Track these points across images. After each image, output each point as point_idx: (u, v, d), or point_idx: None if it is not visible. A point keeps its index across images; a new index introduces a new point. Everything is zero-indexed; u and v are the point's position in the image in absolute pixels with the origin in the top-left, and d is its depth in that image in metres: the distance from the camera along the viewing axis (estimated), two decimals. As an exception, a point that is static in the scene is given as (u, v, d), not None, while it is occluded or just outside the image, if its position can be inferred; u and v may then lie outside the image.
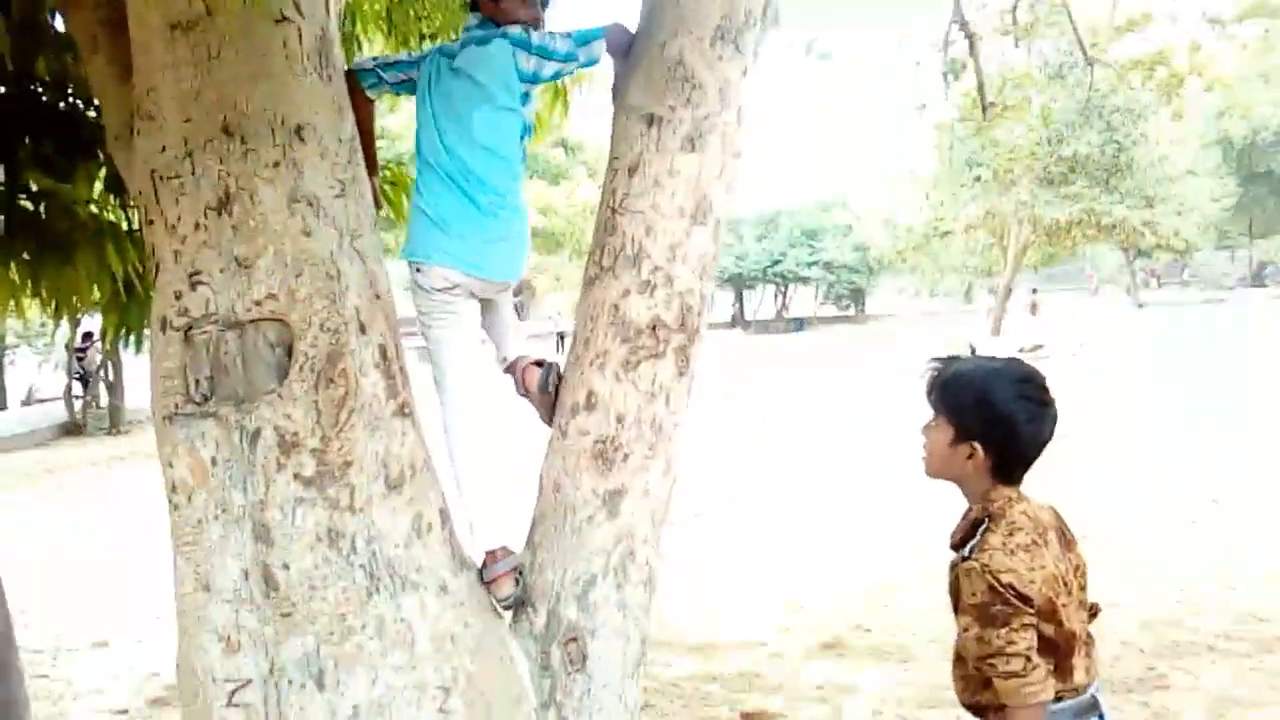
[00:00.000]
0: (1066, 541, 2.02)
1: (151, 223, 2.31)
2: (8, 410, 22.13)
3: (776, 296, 42.45)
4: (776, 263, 38.55)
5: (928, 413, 2.08)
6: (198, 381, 2.29)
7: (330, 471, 2.24)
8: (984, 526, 1.96)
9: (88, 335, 16.63)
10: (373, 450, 2.29)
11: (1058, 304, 34.46)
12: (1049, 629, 1.88)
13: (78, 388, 17.55)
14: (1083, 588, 2.02)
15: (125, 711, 4.98)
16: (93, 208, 3.41)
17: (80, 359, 17.38)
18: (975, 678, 1.99)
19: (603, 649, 2.45)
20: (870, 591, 6.45)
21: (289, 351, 2.27)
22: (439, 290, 2.58)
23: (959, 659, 2.02)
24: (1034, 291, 26.55)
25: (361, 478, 2.27)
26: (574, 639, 2.43)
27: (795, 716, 4.62)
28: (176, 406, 2.28)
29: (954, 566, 1.99)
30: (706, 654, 5.56)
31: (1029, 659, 1.84)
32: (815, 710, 4.71)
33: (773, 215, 39.92)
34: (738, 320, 42.01)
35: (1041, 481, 2.14)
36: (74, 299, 3.32)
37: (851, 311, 43.00)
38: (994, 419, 1.95)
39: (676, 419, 2.55)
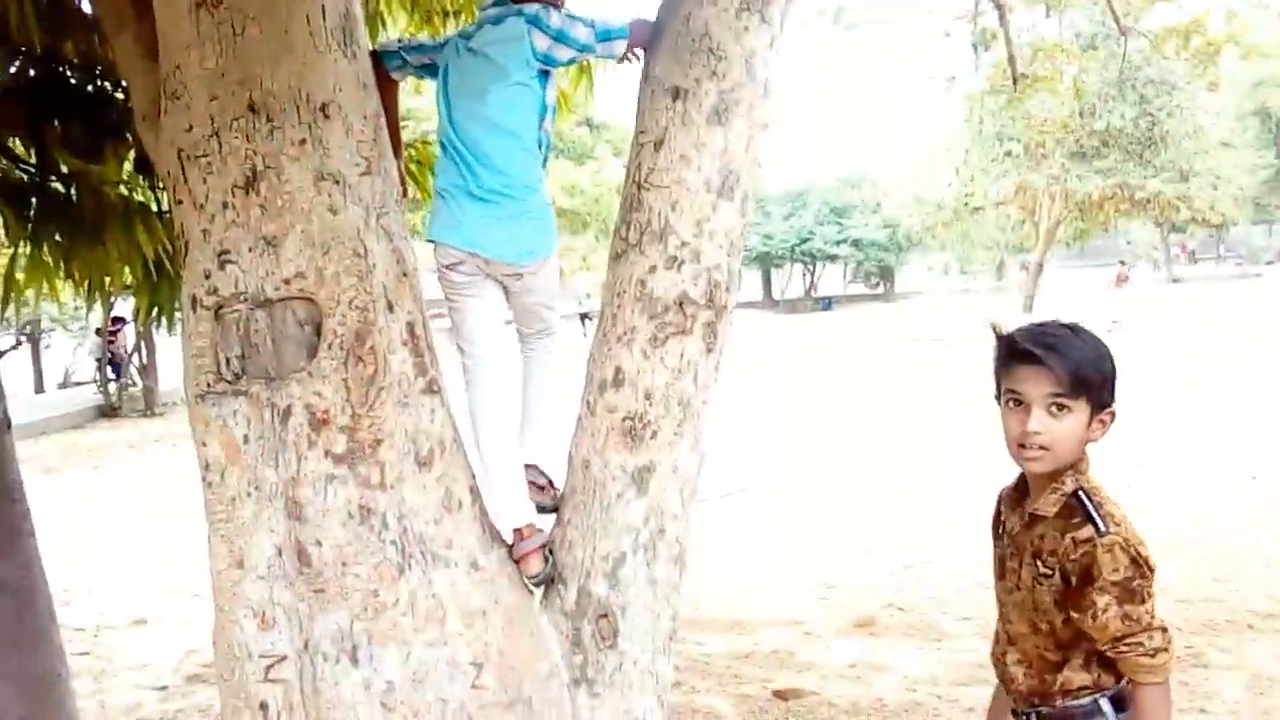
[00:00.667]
0: None
1: (180, 202, 2.31)
2: (45, 393, 22.50)
3: (804, 275, 42.20)
4: (804, 241, 38.27)
5: (989, 402, 1.99)
6: (229, 360, 2.30)
7: (360, 448, 2.25)
8: (1088, 500, 1.86)
9: (117, 319, 16.84)
10: (402, 427, 2.30)
11: (1091, 279, 34.01)
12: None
13: (109, 371, 17.79)
14: None
15: (165, 688, 5.06)
16: (122, 189, 3.44)
17: (110, 343, 17.61)
18: (1051, 662, 1.95)
19: (633, 625, 2.45)
20: (902, 570, 6.43)
21: (318, 330, 2.27)
22: (447, 267, 2.57)
23: (1010, 642, 2.00)
24: (1122, 264, 26.05)
25: (391, 454, 2.28)
26: (605, 615, 2.43)
27: (828, 694, 4.62)
28: (208, 385, 2.29)
29: (1081, 542, 1.84)
30: (739, 632, 5.57)
31: (1166, 631, 1.81)
32: (848, 688, 4.70)
33: (800, 192, 39.58)
34: (766, 300, 41.82)
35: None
36: (105, 280, 3.36)
37: (880, 290, 42.66)
38: (1112, 379, 1.89)
39: (704, 396, 2.53)
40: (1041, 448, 1.85)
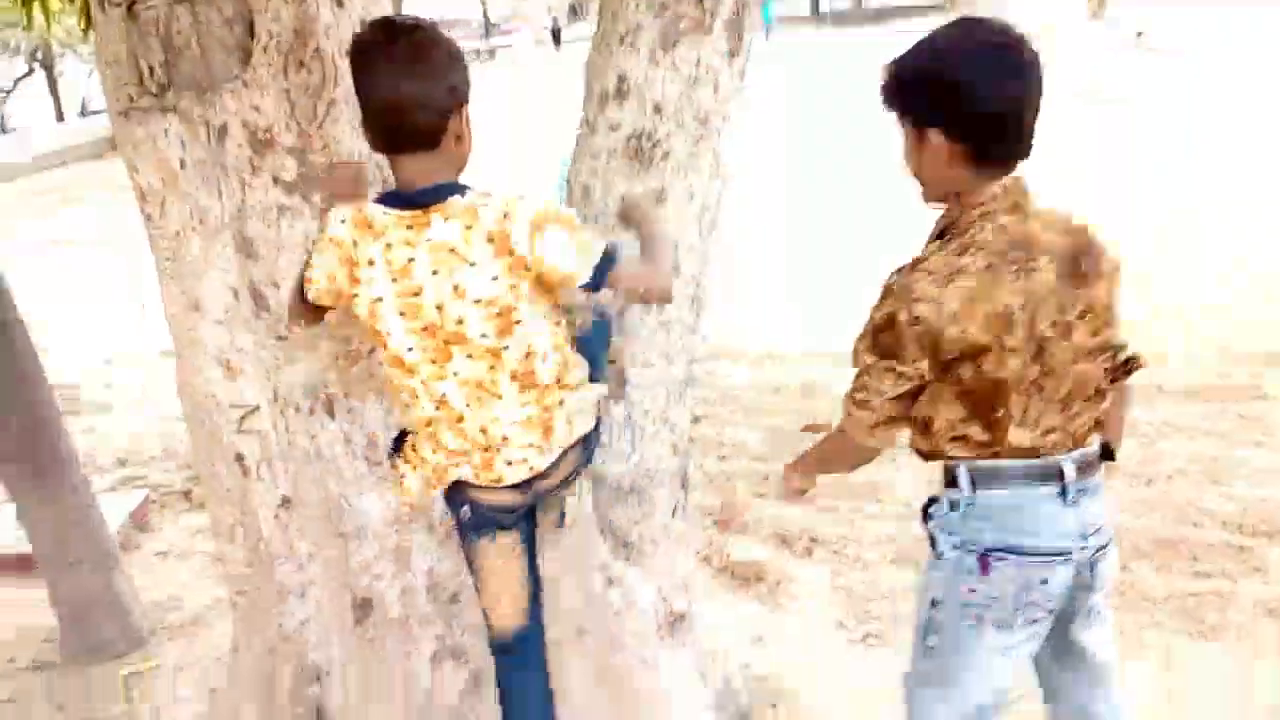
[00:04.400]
0: (1079, 274, 1.55)
1: None
2: (65, 122, 21.93)
3: (855, -17, 39.06)
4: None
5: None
6: (151, 70, 1.91)
7: (314, 175, 1.90)
8: (940, 241, 1.57)
9: None
10: (359, 152, 1.93)
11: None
12: (967, 373, 1.51)
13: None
14: (1096, 333, 1.58)
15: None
16: None
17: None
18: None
19: (644, 372, 2.18)
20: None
21: (250, 29, 1.86)
22: None
23: None
24: None
25: (352, 185, 1.93)
26: (613, 361, 2.16)
27: (859, 428, 4.46)
28: (130, 99, 1.92)
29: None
30: (770, 364, 5.40)
31: (868, 400, 1.59)
32: (880, 421, 4.54)
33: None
34: (813, 14, 39.09)
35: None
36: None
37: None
38: (943, 87, 1.49)
39: (726, 109, 2.11)
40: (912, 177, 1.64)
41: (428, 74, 1.53)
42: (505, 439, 1.71)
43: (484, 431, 1.70)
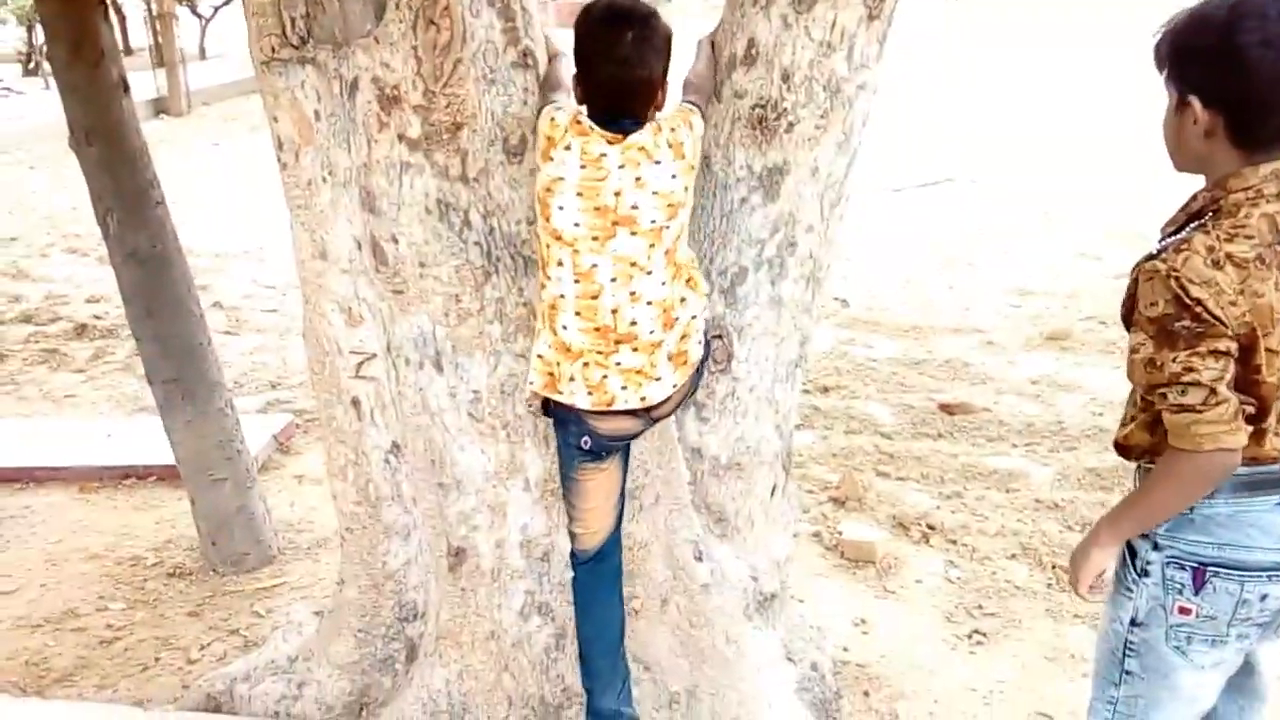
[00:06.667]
0: None
1: None
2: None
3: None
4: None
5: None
6: (293, 21, 1.98)
7: (437, 133, 1.93)
8: (1201, 223, 1.42)
9: None
10: (487, 109, 1.94)
11: None
12: (1238, 375, 1.38)
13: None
14: None
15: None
16: None
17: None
18: (1127, 414, 1.56)
19: (751, 349, 2.14)
20: (1114, 279, 5.72)
21: (385, -16, 1.89)
22: None
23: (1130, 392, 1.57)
24: None
25: (475, 142, 1.94)
26: (719, 336, 2.13)
27: (1000, 412, 4.27)
28: (273, 50, 1.99)
29: (1137, 266, 1.46)
30: (913, 338, 5.21)
31: (1214, 391, 1.35)
32: (1025, 406, 4.33)
33: None
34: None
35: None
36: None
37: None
38: (1212, 56, 1.36)
39: (862, 79, 2.02)
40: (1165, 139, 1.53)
41: (655, 61, 1.80)
42: (634, 323, 1.82)
43: (615, 313, 1.82)
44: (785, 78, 1.97)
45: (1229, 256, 1.36)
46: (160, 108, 12.48)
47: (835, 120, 2.03)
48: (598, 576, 2.07)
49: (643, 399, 1.87)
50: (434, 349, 2.06)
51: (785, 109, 1.99)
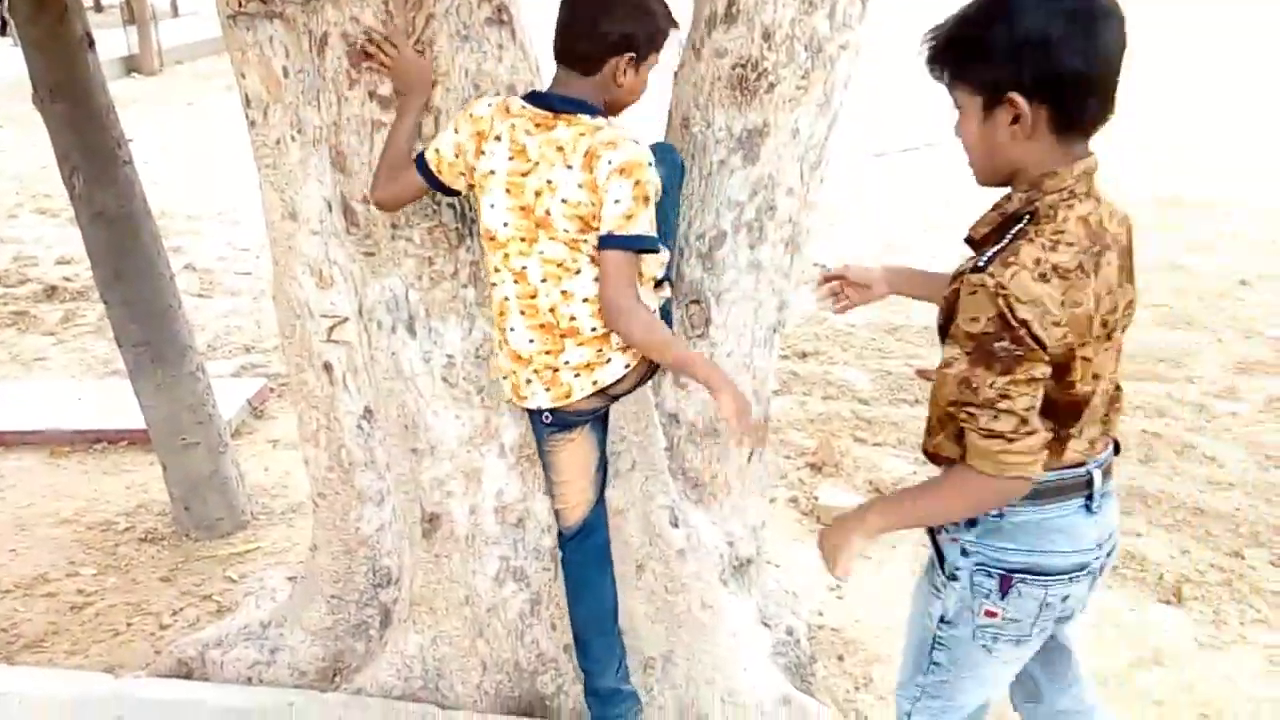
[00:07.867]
0: (1128, 269, 1.43)
1: None
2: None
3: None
4: None
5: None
6: (260, -28, 1.92)
7: (357, 52, 1.87)
8: (1020, 226, 1.35)
9: None
10: (460, 66, 1.89)
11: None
12: (1051, 388, 1.35)
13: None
14: (1124, 330, 1.45)
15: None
16: None
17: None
18: (930, 423, 1.48)
19: (729, 314, 2.12)
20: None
21: (353, -66, 1.83)
22: None
23: (932, 397, 1.47)
24: None
25: (449, 101, 1.90)
26: (696, 301, 2.11)
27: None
28: (240, 3, 1.93)
29: (958, 276, 1.38)
30: (891, 304, 5.18)
31: (1025, 420, 1.31)
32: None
33: None
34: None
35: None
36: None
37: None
38: (1025, 43, 1.27)
39: (845, 38, 1.98)
40: (967, 155, 1.46)
41: (608, 11, 1.70)
42: (573, 319, 1.76)
43: (553, 311, 1.77)
44: (766, 36, 1.93)
45: (1055, 268, 1.29)
46: (132, 66, 12.23)
47: (816, 81, 2.00)
48: (585, 554, 2.01)
49: (595, 382, 1.81)
50: (407, 313, 2.03)
51: (766, 69, 1.96)
